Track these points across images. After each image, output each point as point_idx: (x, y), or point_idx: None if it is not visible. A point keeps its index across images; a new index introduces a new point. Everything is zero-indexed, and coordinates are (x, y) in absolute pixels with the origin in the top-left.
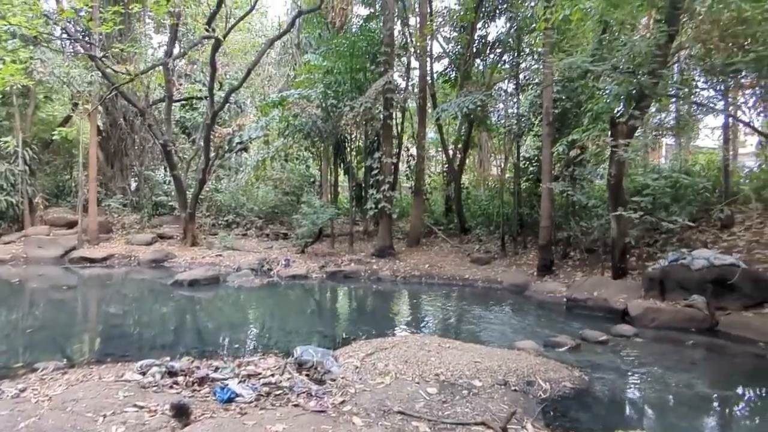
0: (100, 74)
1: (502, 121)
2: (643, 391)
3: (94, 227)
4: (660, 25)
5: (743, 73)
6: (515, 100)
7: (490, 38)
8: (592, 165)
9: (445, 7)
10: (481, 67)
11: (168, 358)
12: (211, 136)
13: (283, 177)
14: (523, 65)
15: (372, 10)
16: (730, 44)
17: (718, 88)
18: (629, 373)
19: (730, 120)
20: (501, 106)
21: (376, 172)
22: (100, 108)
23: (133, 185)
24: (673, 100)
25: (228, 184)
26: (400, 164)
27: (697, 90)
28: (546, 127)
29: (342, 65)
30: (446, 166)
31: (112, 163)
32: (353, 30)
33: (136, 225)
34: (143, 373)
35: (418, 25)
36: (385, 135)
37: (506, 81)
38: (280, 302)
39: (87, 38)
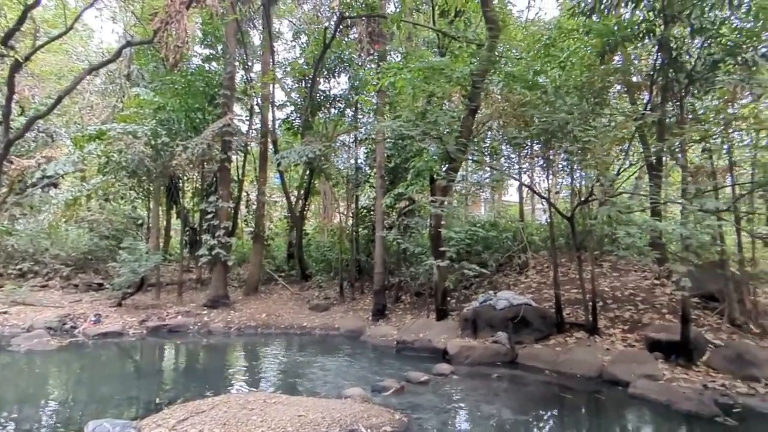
0: None
1: (344, 171)
2: (455, 425)
3: None
4: (464, 101)
5: (532, 144)
6: (354, 152)
7: (333, 92)
8: (418, 216)
9: (286, 59)
10: (324, 119)
11: None
12: (4, 169)
13: (101, 218)
14: (364, 120)
15: (212, 52)
16: (520, 121)
17: (512, 155)
18: (445, 410)
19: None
20: (345, 156)
21: (211, 216)
22: None
23: None
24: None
25: (26, 226)
26: (243, 209)
27: (503, 156)
28: (379, 179)
29: (177, 103)
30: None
31: None
32: (191, 68)
33: None
34: None
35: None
36: (223, 178)
37: (348, 134)
38: (84, 367)
39: None
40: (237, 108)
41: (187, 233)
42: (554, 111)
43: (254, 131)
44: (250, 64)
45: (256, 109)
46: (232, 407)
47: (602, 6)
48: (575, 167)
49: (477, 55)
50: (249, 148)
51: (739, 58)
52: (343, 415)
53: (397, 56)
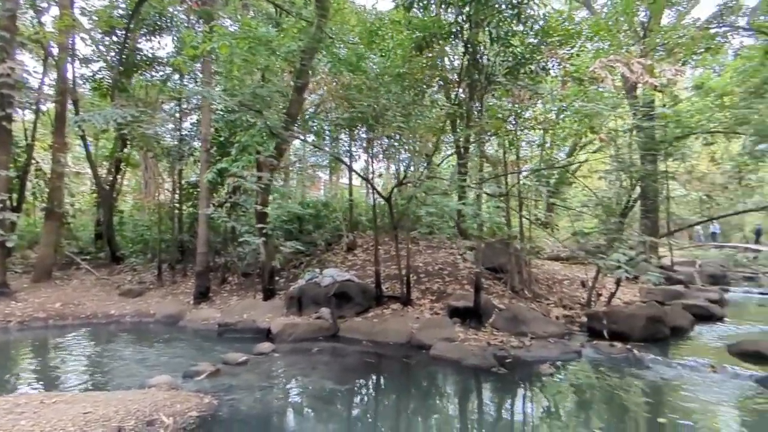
0: None
1: (166, 143)
2: (269, 401)
3: None
4: (293, 78)
5: (370, 129)
6: (178, 121)
7: (157, 54)
8: (245, 193)
9: (95, 6)
10: (145, 83)
11: None
12: None
13: None
14: (191, 87)
15: None
16: (348, 104)
17: (342, 137)
18: (261, 388)
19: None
20: (171, 126)
21: None
22: None
23: None
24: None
25: None
26: (37, 180)
27: (339, 139)
28: (204, 153)
29: None
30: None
31: None
32: None
33: None
34: None
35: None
36: (1, 141)
37: (175, 102)
38: None
39: None
40: (25, 57)
41: None
42: (377, 97)
43: (50, 87)
44: (43, 4)
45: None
46: None
47: (420, 3)
48: (396, 152)
49: (305, 33)
50: (45, 107)
51: (527, 68)
52: (141, 406)
53: (230, 23)
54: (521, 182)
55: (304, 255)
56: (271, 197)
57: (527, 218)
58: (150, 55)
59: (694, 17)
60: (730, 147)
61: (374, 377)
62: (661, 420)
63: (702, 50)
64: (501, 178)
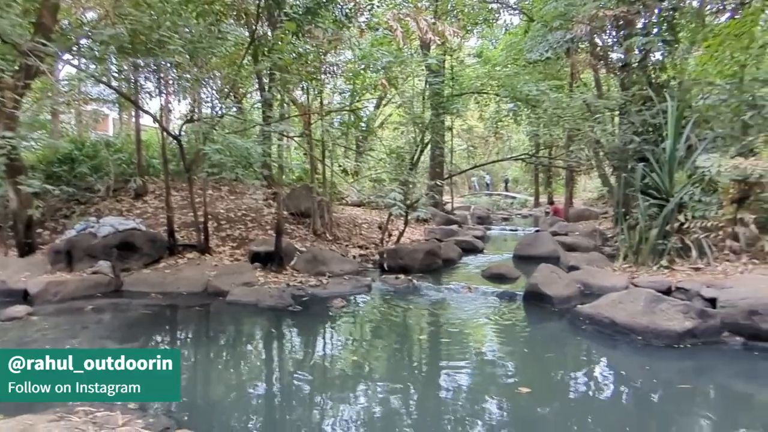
0: None
1: None
2: None
3: None
4: None
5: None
6: None
7: None
8: None
9: None
10: None
11: None
12: None
13: None
14: None
15: None
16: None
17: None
18: None
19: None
20: None
21: None
22: None
23: None
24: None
25: None
26: None
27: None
28: None
29: None
30: None
31: None
32: None
33: None
34: None
35: None
36: None
37: None
38: None
39: None
40: None
41: None
42: (158, 17)
43: None
44: None
45: None
46: None
47: None
48: (190, 87)
49: None
50: None
51: (331, 12)
52: None
53: None
54: (326, 129)
55: (78, 203)
56: (36, 134)
57: (329, 166)
58: None
59: None
60: (500, 107)
61: (162, 329)
62: (422, 337)
63: (481, 21)
64: (304, 122)
